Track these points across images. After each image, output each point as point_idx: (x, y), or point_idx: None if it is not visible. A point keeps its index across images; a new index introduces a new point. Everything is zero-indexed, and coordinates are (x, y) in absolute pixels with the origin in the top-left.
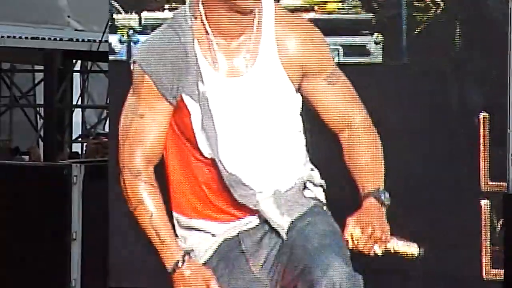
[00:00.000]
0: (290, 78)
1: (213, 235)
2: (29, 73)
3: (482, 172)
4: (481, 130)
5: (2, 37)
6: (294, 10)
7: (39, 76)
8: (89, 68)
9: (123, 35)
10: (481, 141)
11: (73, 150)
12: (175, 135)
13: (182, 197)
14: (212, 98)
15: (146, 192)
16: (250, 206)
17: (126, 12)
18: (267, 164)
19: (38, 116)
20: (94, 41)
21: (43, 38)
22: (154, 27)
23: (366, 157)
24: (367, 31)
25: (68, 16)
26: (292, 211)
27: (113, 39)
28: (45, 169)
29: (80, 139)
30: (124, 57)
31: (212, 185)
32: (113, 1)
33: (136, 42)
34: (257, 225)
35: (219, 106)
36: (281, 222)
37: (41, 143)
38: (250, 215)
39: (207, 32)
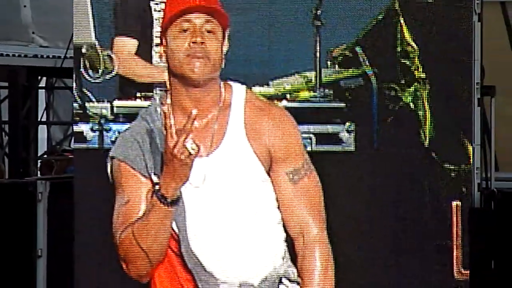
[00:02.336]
0: (262, 163)
1: None
2: None
3: (455, 261)
4: (454, 218)
5: None
6: (266, 98)
7: (4, 92)
8: (54, 84)
9: (95, 124)
10: (454, 229)
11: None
12: None
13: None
14: None
15: None
16: None
17: (98, 101)
18: (234, 253)
19: (3, 133)
20: (59, 57)
21: (8, 55)
22: (125, 116)
23: (317, 272)
24: (340, 120)
25: (33, 33)
26: None
27: (85, 127)
28: (10, 186)
29: (45, 156)
30: (96, 145)
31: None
32: (85, 90)
33: (108, 130)
34: None
35: (187, 185)
36: None
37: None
38: None
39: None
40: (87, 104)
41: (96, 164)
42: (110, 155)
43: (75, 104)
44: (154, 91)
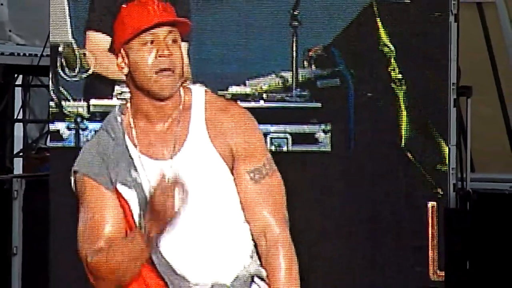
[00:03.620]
0: (226, 162)
1: None
2: None
3: (431, 262)
4: (429, 220)
5: None
6: (243, 98)
7: None
8: (30, 82)
9: (71, 122)
10: (429, 230)
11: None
12: None
13: None
14: (145, 183)
15: None
16: None
17: (75, 100)
18: (203, 254)
19: None
20: (36, 55)
21: None
22: (102, 114)
23: (282, 272)
24: (316, 120)
25: (10, 31)
26: None
27: (61, 126)
28: None
29: (21, 154)
30: (72, 144)
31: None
32: (61, 88)
33: (84, 129)
34: None
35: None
36: None
37: None
38: None
39: (131, 123)
40: (63, 103)
41: (71, 163)
42: (73, 169)
43: (51, 103)
44: (115, 92)
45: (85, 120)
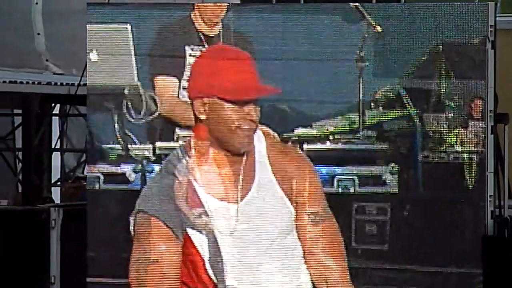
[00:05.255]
0: (290, 200)
1: None
2: (8, 117)
3: None
4: None
5: None
6: (310, 139)
7: (19, 120)
8: (67, 111)
9: (137, 165)
10: None
11: (52, 194)
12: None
13: None
14: (217, 227)
15: None
16: None
17: (141, 143)
18: None
19: (17, 160)
20: (73, 84)
21: (21, 82)
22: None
23: None
24: (383, 161)
25: (47, 60)
26: None
27: (127, 168)
28: (23, 213)
29: (59, 183)
30: (139, 187)
31: None
32: (127, 131)
33: (150, 171)
34: None
35: (225, 235)
36: None
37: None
38: None
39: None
40: (129, 146)
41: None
42: (136, 208)
43: (117, 146)
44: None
45: (151, 163)
